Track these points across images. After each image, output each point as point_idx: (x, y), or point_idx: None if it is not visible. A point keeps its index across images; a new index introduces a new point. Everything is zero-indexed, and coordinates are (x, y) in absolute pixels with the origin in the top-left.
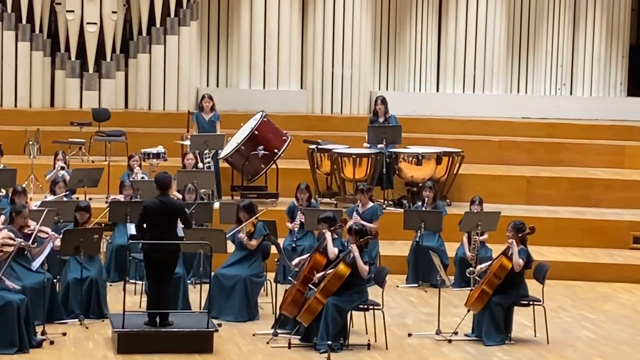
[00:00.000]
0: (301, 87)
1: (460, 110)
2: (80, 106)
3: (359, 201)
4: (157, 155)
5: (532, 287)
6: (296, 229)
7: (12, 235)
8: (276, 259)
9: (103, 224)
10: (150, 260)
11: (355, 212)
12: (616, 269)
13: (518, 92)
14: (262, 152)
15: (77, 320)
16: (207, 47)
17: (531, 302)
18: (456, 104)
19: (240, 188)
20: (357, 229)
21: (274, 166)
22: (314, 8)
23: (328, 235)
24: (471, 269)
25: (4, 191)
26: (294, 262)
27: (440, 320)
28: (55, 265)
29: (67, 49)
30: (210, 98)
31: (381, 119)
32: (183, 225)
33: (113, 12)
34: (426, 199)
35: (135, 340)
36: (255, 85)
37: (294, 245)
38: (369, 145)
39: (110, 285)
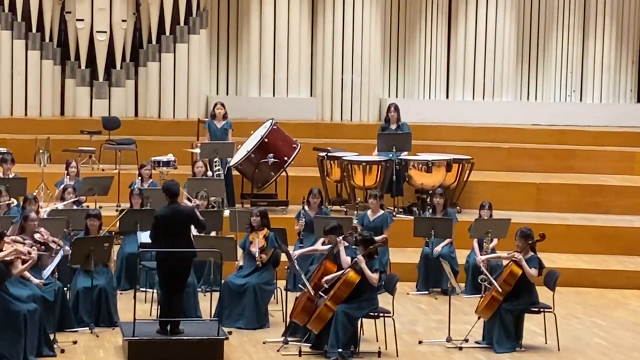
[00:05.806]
0: (311, 95)
1: (469, 117)
2: (90, 115)
3: (369, 207)
4: (167, 164)
5: (543, 294)
6: (301, 228)
7: (18, 239)
8: (286, 267)
9: (113, 232)
10: (162, 269)
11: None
12: (627, 275)
13: (528, 99)
14: (272, 159)
15: (87, 328)
16: (217, 55)
17: (542, 309)
18: (466, 111)
19: (250, 196)
20: (362, 239)
21: (283, 174)
22: (324, 15)
23: (341, 245)
24: (483, 276)
25: (15, 201)
26: (297, 251)
27: (451, 328)
28: (65, 274)
29: (77, 57)
30: (223, 105)
31: (393, 126)
32: (197, 229)
33: (123, 20)
34: (437, 205)
35: (146, 349)
36: (265, 93)
37: (301, 245)
38: (378, 153)
39: (121, 294)
